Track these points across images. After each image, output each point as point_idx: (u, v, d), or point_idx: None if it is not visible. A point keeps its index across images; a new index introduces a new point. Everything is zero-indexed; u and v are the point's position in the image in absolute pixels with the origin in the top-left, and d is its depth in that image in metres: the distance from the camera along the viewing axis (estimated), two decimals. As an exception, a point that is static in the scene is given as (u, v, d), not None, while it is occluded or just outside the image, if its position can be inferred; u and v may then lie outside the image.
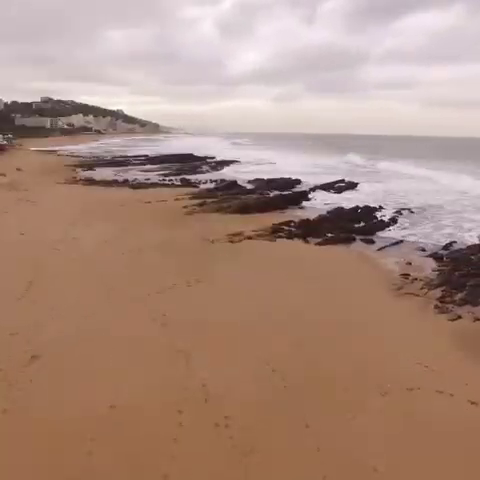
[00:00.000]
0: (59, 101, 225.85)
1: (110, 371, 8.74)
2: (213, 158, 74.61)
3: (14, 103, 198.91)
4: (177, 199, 30.19)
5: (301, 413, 8.00)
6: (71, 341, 9.75)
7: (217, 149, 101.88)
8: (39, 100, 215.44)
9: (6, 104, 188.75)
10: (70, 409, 7.50)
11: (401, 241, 21.70)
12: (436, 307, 13.71)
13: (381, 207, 29.76)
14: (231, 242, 19.01)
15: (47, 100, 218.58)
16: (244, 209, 26.87)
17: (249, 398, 8.24)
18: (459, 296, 14.53)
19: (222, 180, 42.13)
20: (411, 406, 8.47)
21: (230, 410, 7.81)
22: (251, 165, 63.59)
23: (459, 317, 12.91)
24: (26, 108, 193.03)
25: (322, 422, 7.81)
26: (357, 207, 28.52)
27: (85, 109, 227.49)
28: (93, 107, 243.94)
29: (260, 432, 7.42)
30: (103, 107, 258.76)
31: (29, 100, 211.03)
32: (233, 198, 31.10)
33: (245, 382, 8.71)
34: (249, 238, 19.79)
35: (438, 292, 14.85)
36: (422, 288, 15.17)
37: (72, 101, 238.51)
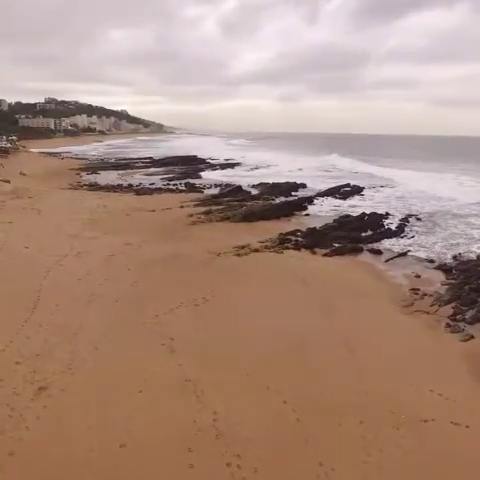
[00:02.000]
0: (63, 102, 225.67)
1: (120, 405, 8.55)
2: (216, 160, 74.62)
3: (18, 104, 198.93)
4: (182, 206, 30.01)
5: (314, 449, 7.80)
6: (79, 371, 9.56)
7: (220, 150, 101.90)
8: (43, 101, 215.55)
9: (10, 105, 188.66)
10: (80, 450, 7.31)
11: (409, 251, 21.44)
12: (447, 326, 13.48)
13: (388, 214, 29.51)
14: (238, 255, 18.78)
15: (51, 101, 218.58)
16: (249, 217, 26.66)
17: (261, 433, 8.03)
18: (470, 313, 14.30)
19: (227, 185, 41.91)
20: (426, 440, 8.25)
21: (242, 447, 7.61)
22: (254, 168, 63.31)
23: (471, 337, 12.66)
24: (30, 109, 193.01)
25: (336, 459, 7.60)
26: (364, 214, 28.24)
27: (89, 110, 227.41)
28: (97, 107, 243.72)
29: (273, 472, 7.23)
30: (107, 107, 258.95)
31: (33, 101, 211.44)
32: (238, 205, 30.92)
33: (256, 415, 8.50)
34: (256, 251, 19.58)
35: (448, 308, 14.64)
36: (432, 304, 14.94)
37: (76, 102, 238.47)
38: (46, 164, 60.18)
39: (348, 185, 41.86)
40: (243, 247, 19.88)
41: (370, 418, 8.70)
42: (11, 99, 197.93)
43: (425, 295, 15.65)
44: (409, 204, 34.42)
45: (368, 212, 28.97)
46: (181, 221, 25.42)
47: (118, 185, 41.88)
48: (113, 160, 73.43)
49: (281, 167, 63.14)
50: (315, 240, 22.27)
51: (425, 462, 7.73)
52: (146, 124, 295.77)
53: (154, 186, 41.69)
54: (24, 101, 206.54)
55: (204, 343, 11.11)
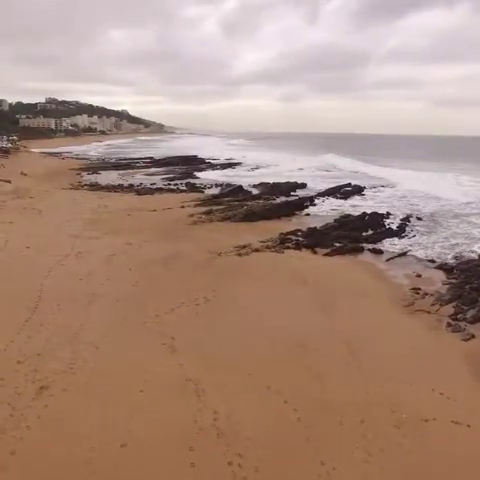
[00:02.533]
0: (64, 102, 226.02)
1: (121, 404, 8.55)
2: (217, 159, 74.70)
3: (18, 104, 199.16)
4: (183, 206, 30.02)
5: (315, 448, 7.80)
6: (80, 370, 9.56)
7: (220, 150, 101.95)
8: (44, 101, 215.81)
9: (10, 105, 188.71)
10: (81, 449, 7.31)
11: (410, 250, 21.43)
12: (448, 325, 13.47)
13: (389, 213, 29.47)
14: (239, 255, 18.77)
15: (51, 101, 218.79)
16: (250, 217, 26.67)
17: (262, 433, 8.03)
18: (471, 313, 14.29)
19: (227, 185, 41.90)
20: (427, 439, 8.24)
21: (243, 447, 7.62)
22: (254, 167, 63.29)
23: (472, 336, 12.66)
24: (31, 109, 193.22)
25: (337, 458, 7.60)
26: (364, 214, 28.22)
27: (90, 110, 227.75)
28: (98, 108, 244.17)
29: (274, 471, 7.23)
30: (108, 107, 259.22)
31: (33, 101, 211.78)
32: (239, 205, 30.94)
33: (257, 415, 8.50)
34: (257, 250, 19.58)
35: (449, 308, 14.63)
36: (433, 304, 14.93)
37: (76, 102, 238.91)
38: (47, 164, 60.24)
39: (349, 185, 41.84)
40: (244, 247, 19.89)
41: (371, 417, 8.70)
42: (12, 99, 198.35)
43: (426, 294, 15.64)
44: (410, 204, 34.41)
45: (369, 212, 28.94)
46: (182, 221, 25.43)
47: (119, 185, 41.90)
48: (114, 160, 73.46)
49: (281, 167, 63.17)
50: (316, 240, 22.28)
51: (426, 461, 7.72)
52: (147, 124, 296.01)
53: (155, 186, 41.69)
54: (25, 101, 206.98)
55: (205, 343, 11.11)
